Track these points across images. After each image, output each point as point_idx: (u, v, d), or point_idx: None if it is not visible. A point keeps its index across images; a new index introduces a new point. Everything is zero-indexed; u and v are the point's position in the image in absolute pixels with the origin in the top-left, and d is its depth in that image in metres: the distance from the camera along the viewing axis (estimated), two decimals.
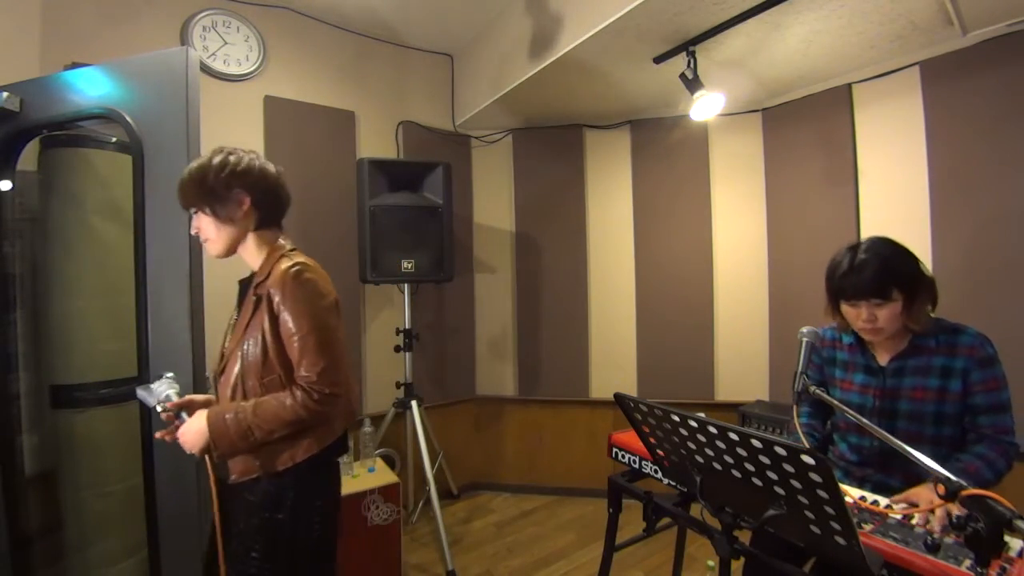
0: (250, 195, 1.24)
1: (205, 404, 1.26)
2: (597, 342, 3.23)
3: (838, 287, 1.36)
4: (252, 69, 2.56)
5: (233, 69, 2.51)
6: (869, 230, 2.48)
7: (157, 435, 1.25)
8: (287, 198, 1.34)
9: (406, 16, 2.82)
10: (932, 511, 1.08)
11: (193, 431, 1.18)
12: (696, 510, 1.27)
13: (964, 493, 0.87)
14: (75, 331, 1.76)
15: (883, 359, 1.39)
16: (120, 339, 1.75)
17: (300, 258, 1.24)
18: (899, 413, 1.34)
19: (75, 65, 1.92)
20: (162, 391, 1.23)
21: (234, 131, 2.52)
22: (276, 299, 1.17)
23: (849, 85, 2.54)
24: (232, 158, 1.23)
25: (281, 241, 1.31)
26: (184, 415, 1.22)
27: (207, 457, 1.18)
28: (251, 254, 1.28)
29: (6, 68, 1.80)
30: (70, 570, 1.76)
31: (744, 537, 1.15)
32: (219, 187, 1.20)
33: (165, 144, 1.53)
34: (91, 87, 1.61)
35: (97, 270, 1.80)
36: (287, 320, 1.17)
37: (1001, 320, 1.98)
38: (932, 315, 1.35)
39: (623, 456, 1.71)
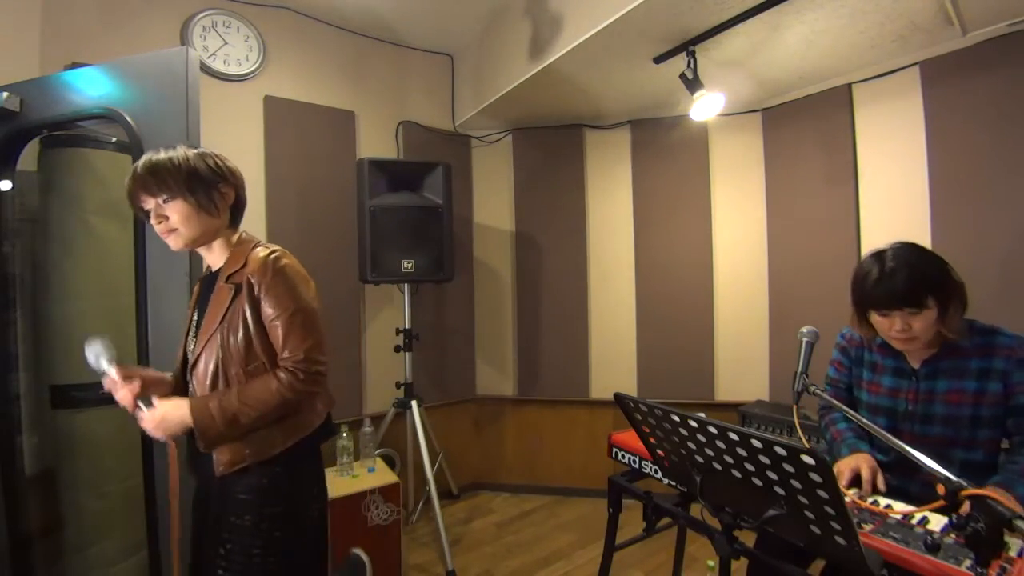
0: (235, 191, 1.28)
1: (158, 380, 1.25)
2: (597, 342, 3.23)
3: (868, 297, 1.30)
4: (252, 69, 2.56)
5: (233, 69, 2.51)
6: (869, 230, 2.48)
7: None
8: None
9: (406, 16, 2.82)
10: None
11: (174, 421, 1.14)
12: (696, 510, 1.27)
13: (964, 493, 0.87)
14: (75, 331, 1.76)
15: (915, 362, 1.36)
16: (120, 339, 1.74)
17: (275, 247, 1.25)
18: (935, 417, 1.31)
19: (75, 65, 1.92)
20: (96, 360, 1.18)
21: (234, 131, 2.52)
22: (256, 285, 1.18)
23: (849, 85, 2.54)
24: (218, 156, 1.26)
25: (247, 235, 1.31)
26: (146, 404, 1.17)
27: (172, 442, 1.17)
28: (216, 250, 1.28)
29: (6, 68, 1.80)
30: (70, 570, 1.76)
31: (747, 538, 1.15)
32: (210, 177, 1.22)
33: (165, 144, 1.52)
34: (91, 87, 1.61)
35: (97, 270, 1.80)
36: (268, 304, 1.17)
37: (1001, 320, 1.98)
38: (965, 317, 1.31)
39: (623, 456, 1.71)
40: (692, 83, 2.29)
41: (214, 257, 1.29)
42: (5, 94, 1.62)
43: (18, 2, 1.94)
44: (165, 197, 1.17)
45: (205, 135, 1.58)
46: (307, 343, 1.17)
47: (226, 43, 2.49)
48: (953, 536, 0.99)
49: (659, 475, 1.51)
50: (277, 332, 1.17)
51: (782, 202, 2.89)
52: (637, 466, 1.64)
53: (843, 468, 1.33)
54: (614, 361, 3.20)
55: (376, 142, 3.00)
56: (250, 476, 1.17)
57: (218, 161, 1.25)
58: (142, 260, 1.55)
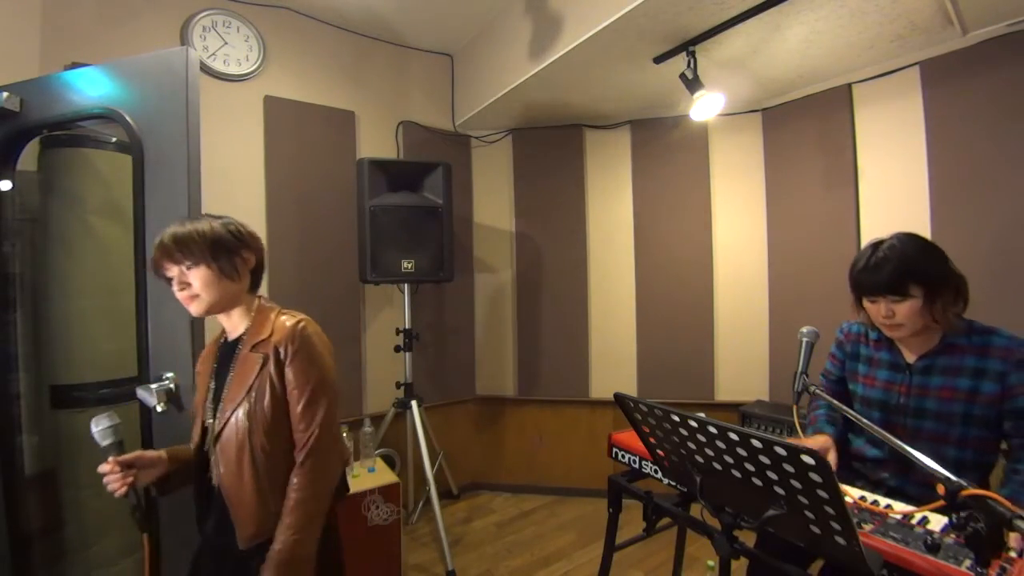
0: (255, 256, 1.29)
1: (154, 460, 1.23)
2: (597, 342, 3.23)
3: (857, 281, 1.36)
4: (252, 69, 2.56)
5: (233, 69, 2.51)
6: (869, 230, 2.48)
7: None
8: None
9: (406, 16, 2.82)
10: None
11: None
12: (696, 510, 1.27)
13: (964, 493, 0.87)
14: (75, 331, 1.76)
15: (911, 357, 1.37)
16: (120, 339, 1.75)
17: (299, 314, 1.26)
18: (927, 412, 1.32)
19: (75, 65, 1.92)
20: (100, 438, 1.16)
21: (234, 131, 2.52)
22: (283, 353, 1.19)
23: (849, 85, 2.54)
24: (240, 224, 1.28)
25: (266, 300, 1.32)
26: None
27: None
28: (236, 316, 1.28)
29: (6, 68, 1.80)
30: (70, 570, 1.76)
31: (747, 538, 1.15)
32: (232, 245, 1.23)
33: (165, 144, 1.53)
34: (91, 87, 1.61)
35: (97, 270, 1.80)
36: (291, 372, 1.18)
37: (1001, 319, 1.98)
38: (964, 316, 1.32)
39: (623, 456, 1.71)
40: (692, 83, 2.29)
41: (232, 323, 1.29)
42: (5, 94, 1.62)
43: (18, 2, 1.94)
44: (188, 264, 1.19)
45: (205, 135, 1.58)
46: (320, 415, 1.18)
47: (226, 43, 2.49)
48: (953, 536, 0.99)
49: (659, 475, 1.51)
50: (295, 402, 1.19)
51: (782, 202, 2.89)
52: (637, 466, 1.64)
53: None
54: (614, 361, 3.20)
55: (376, 142, 3.00)
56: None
57: (240, 228, 1.27)
58: (142, 260, 1.55)
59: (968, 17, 1.97)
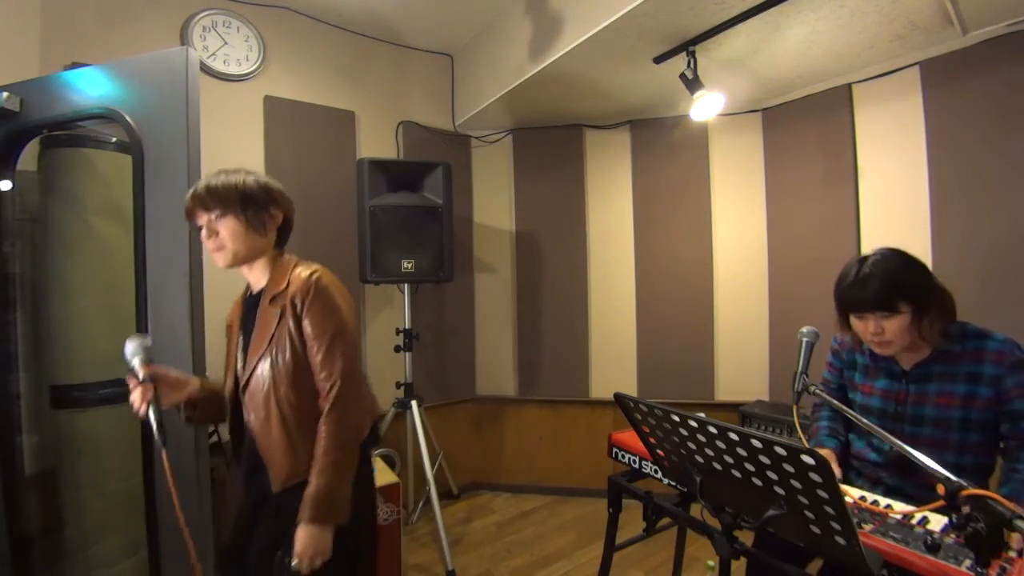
0: (283, 214, 1.33)
1: (181, 382, 1.26)
2: (597, 342, 3.23)
3: (844, 298, 1.34)
4: (252, 69, 2.56)
5: (233, 69, 2.51)
6: (869, 230, 2.48)
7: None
8: None
9: (406, 16, 2.82)
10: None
11: (321, 544, 1.13)
12: (696, 510, 1.28)
13: (964, 493, 0.87)
14: (75, 331, 1.76)
15: (906, 364, 1.37)
16: (120, 339, 1.74)
17: (315, 265, 1.29)
18: (925, 419, 1.32)
19: (75, 65, 1.92)
20: (130, 356, 1.19)
21: (234, 131, 2.52)
22: (299, 305, 1.21)
23: (849, 85, 2.54)
24: (271, 180, 1.32)
25: (287, 254, 1.36)
26: (155, 410, 1.17)
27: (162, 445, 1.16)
28: (258, 269, 1.32)
29: (6, 68, 1.80)
30: (70, 570, 1.76)
31: (747, 538, 1.15)
32: (261, 198, 1.27)
33: (165, 144, 1.53)
34: (91, 87, 1.61)
35: (97, 270, 1.80)
36: (309, 324, 1.21)
37: (1001, 320, 1.98)
38: (956, 320, 1.32)
39: (623, 456, 1.71)
40: (692, 83, 2.29)
41: (255, 276, 1.32)
42: (5, 94, 1.62)
43: (18, 2, 1.94)
44: (218, 212, 1.23)
45: (205, 135, 1.58)
46: (340, 365, 1.20)
47: (226, 43, 2.49)
48: (953, 536, 0.99)
49: (659, 475, 1.51)
50: (315, 353, 1.21)
51: (782, 202, 2.89)
52: (637, 466, 1.64)
53: None
54: (614, 361, 3.20)
55: (376, 142, 3.00)
56: (304, 487, 1.18)
57: (270, 185, 1.31)
58: (142, 260, 1.55)
59: (968, 17, 1.97)
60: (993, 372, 1.24)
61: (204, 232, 1.24)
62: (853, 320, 1.35)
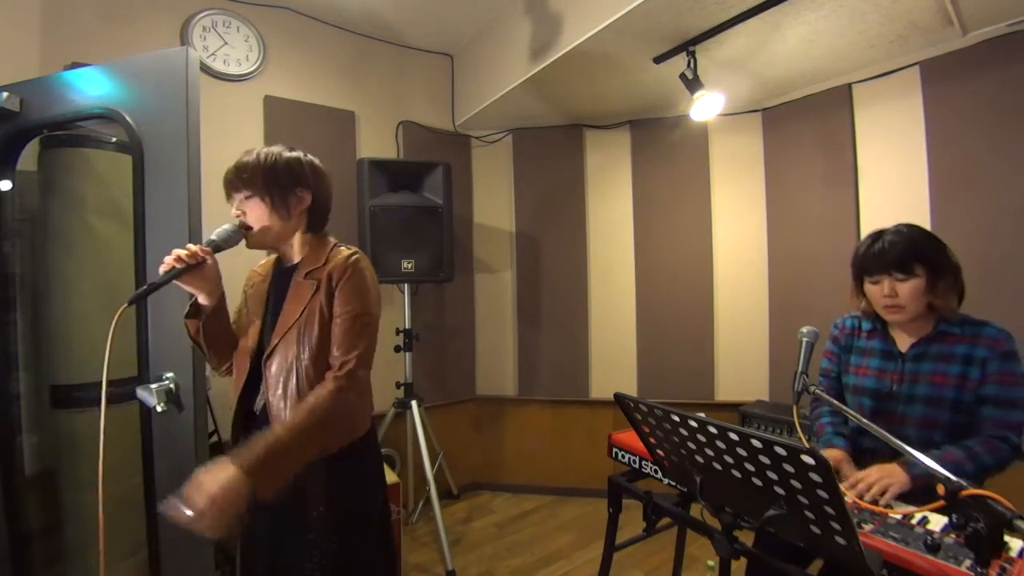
0: (311, 195, 1.32)
1: (208, 274, 1.22)
2: (597, 342, 3.23)
3: (862, 263, 1.40)
4: (252, 69, 2.56)
5: (233, 69, 2.51)
6: (869, 230, 2.43)
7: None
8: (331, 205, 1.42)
9: (406, 16, 2.82)
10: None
11: (226, 494, 0.96)
12: (696, 510, 1.27)
13: (964, 493, 0.87)
14: (75, 331, 1.76)
15: (904, 345, 1.40)
16: (120, 339, 1.74)
17: (355, 248, 1.33)
18: (917, 398, 1.34)
19: (75, 65, 1.92)
20: (215, 232, 1.23)
21: (234, 131, 2.51)
22: (334, 281, 1.23)
23: (849, 85, 2.54)
24: (305, 156, 1.32)
25: (329, 236, 1.38)
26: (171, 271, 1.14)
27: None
28: (297, 244, 1.33)
29: (6, 68, 1.80)
30: (70, 570, 1.76)
31: (747, 538, 1.15)
32: (285, 180, 1.26)
33: (165, 144, 1.53)
34: (91, 87, 1.61)
35: (97, 270, 1.80)
36: (339, 301, 1.22)
37: (1001, 319, 1.97)
38: (959, 310, 1.36)
39: (623, 456, 1.71)
40: (692, 83, 2.29)
41: (292, 251, 1.33)
42: (5, 94, 1.62)
43: (18, 2, 1.94)
44: (247, 194, 1.25)
45: (205, 135, 1.58)
46: (359, 349, 1.21)
47: (226, 43, 2.49)
48: (953, 536, 0.99)
49: (659, 475, 1.51)
50: (336, 329, 1.22)
51: (782, 202, 2.89)
52: (637, 466, 1.64)
53: None
54: (614, 361, 3.20)
55: (376, 142, 3.00)
56: (318, 471, 1.19)
57: (303, 162, 1.30)
58: (142, 260, 1.55)
59: (968, 17, 1.97)
60: (984, 355, 1.28)
61: (235, 211, 1.27)
62: (867, 286, 1.40)
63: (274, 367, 1.23)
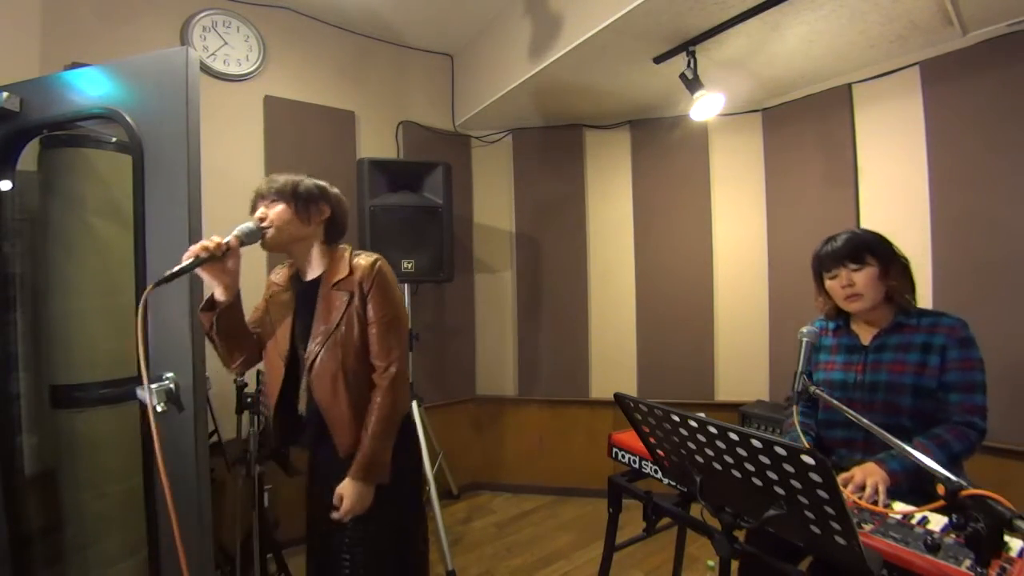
0: (331, 210, 1.46)
1: (229, 269, 1.31)
2: (597, 342, 3.23)
3: (819, 262, 1.51)
4: (252, 69, 2.56)
5: (233, 69, 2.51)
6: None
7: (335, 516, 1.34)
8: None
9: (406, 16, 2.82)
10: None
11: (363, 495, 1.32)
12: (696, 510, 1.28)
13: (963, 493, 0.87)
14: (75, 331, 1.76)
15: (866, 338, 1.48)
16: (120, 339, 1.75)
17: (374, 253, 1.45)
18: (879, 385, 1.41)
19: (75, 65, 1.92)
20: (238, 227, 1.31)
21: (234, 131, 2.52)
22: (366, 288, 1.37)
23: (849, 85, 2.54)
24: (326, 186, 1.48)
25: (342, 246, 1.50)
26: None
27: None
28: (315, 260, 1.45)
29: (6, 68, 1.80)
30: (70, 570, 1.76)
31: (741, 536, 1.15)
32: (313, 195, 1.42)
33: (165, 144, 1.52)
34: (91, 87, 1.61)
35: (97, 270, 1.79)
36: (372, 307, 1.37)
37: (1001, 319, 1.98)
38: (914, 289, 1.45)
39: (623, 456, 1.71)
40: (692, 83, 2.29)
41: (311, 266, 1.45)
42: (5, 94, 1.62)
43: (18, 2, 1.94)
44: (273, 198, 1.38)
45: (205, 135, 1.58)
46: (397, 350, 1.39)
47: (226, 43, 2.49)
48: (953, 536, 0.99)
49: (659, 475, 1.51)
50: (374, 335, 1.38)
51: (782, 202, 2.89)
52: (637, 466, 1.64)
53: None
54: (614, 361, 3.20)
55: (376, 142, 3.00)
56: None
57: (327, 188, 1.47)
58: (142, 260, 1.54)
59: (968, 17, 1.97)
60: (942, 343, 1.35)
61: (259, 212, 1.37)
62: (828, 283, 1.49)
63: (320, 372, 1.36)
